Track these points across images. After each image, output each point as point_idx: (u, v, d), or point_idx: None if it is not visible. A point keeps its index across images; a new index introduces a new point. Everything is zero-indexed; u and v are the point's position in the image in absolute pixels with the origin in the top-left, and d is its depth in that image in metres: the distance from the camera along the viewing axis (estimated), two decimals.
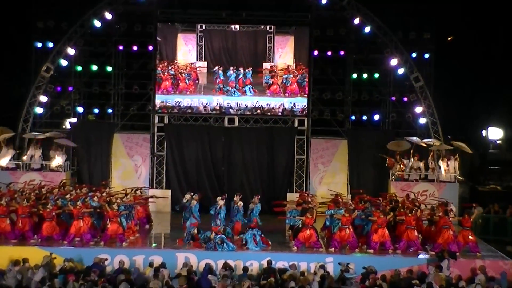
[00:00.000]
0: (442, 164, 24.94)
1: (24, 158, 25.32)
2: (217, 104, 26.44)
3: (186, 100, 26.45)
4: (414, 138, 25.38)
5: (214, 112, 26.50)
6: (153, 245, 19.83)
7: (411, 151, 25.16)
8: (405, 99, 26.72)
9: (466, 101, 30.20)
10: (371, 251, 18.77)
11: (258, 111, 26.38)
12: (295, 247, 18.92)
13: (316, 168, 26.69)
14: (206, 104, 26.42)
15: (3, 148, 25.02)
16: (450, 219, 19.24)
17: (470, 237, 18.95)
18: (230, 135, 26.74)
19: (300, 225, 19.52)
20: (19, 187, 22.98)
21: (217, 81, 26.37)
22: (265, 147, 26.63)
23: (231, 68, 26.27)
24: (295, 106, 26.35)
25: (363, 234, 19.65)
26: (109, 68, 27.00)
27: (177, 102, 26.42)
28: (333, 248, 18.76)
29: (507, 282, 17.26)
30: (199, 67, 26.37)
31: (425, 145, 25.24)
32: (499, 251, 19.63)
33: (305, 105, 26.28)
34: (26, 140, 25.99)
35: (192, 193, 21.18)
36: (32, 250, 18.00)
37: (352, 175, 26.49)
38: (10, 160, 25.12)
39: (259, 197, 21.41)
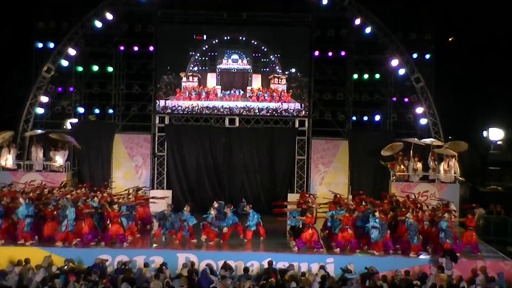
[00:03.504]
0: (442, 165, 24.92)
1: (32, 158, 25.34)
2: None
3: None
4: (413, 139, 25.32)
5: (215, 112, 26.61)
6: (154, 245, 19.79)
7: (411, 151, 25.15)
8: (406, 99, 26.74)
9: (466, 101, 30.07)
10: (372, 251, 18.75)
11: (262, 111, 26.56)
12: (296, 248, 18.89)
13: (317, 168, 26.70)
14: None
15: (4, 149, 25.04)
16: (452, 219, 19.24)
17: (473, 237, 18.95)
18: (231, 135, 26.77)
19: (301, 226, 19.51)
20: (20, 187, 22.99)
21: None
22: (266, 147, 26.66)
23: None
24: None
25: (364, 235, 19.60)
26: (110, 69, 27.01)
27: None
28: (338, 249, 18.70)
29: (505, 282, 17.22)
30: None
31: (423, 145, 25.17)
32: (500, 252, 19.61)
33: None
34: (27, 140, 26.01)
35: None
36: (33, 251, 17.97)
37: (352, 176, 26.50)
38: (14, 159, 25.15)
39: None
